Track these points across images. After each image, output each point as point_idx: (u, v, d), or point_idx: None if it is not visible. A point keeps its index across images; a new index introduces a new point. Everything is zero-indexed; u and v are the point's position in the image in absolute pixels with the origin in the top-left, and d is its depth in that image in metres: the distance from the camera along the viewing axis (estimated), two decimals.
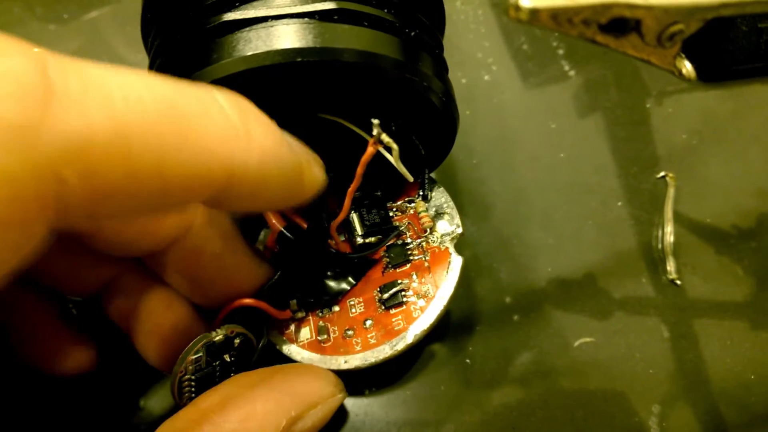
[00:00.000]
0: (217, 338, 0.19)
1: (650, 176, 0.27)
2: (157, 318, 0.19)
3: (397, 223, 0.23)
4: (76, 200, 0.11)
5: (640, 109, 0.29)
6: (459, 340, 0.23)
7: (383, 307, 0.21)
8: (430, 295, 0.21)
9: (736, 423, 0.21)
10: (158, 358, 0.19)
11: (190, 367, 0.18)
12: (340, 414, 0.21)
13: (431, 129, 0.21)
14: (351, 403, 0.22)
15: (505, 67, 0.30)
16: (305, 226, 0.21)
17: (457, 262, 0.22)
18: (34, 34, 0.33)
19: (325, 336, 0.21)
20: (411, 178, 0.20)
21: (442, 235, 0.22)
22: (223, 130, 0.13)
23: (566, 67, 0.30)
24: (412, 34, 0.18)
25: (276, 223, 0.21)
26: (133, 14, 0.34)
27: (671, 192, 0.26)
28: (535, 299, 0.24)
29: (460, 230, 0.22)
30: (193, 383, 0.19)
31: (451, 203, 0.23)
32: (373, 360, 0.20)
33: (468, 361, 0.22)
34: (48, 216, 0.11)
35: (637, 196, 0.26)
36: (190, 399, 0.18)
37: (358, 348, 0.21)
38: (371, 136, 0.18)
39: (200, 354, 0.18)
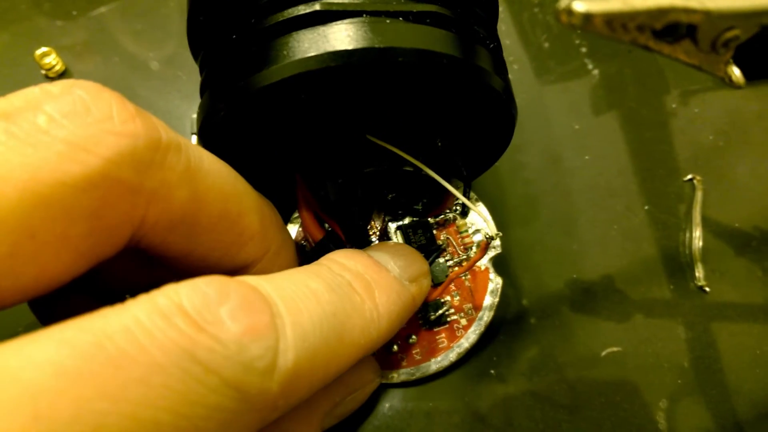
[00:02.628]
0: None
1: (677, 179, 0.26)
2: None
3: (439, 241, 0.23)
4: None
5: (665, 110, 0.28)
6: (483, 350, 0.22)
7: (426, 325, 0.21)
8: (472, 314, 0.21)
9: None
10: None
11: None
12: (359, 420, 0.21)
13: (485, 134, 0.20)
14: (371, 415, 0.21)
15: (526, 66, 0.29)
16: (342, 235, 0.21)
17: (497, 283, 0.22)
18: (41, 29, 0.32)
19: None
20: (495, 232, 0.20)
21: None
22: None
23: (589, 66, 0.29)
24: (492, 46, 0.18)
25: (316, 233, 0.20)
26: (142, 10, 0.34)
27: (699, 195, 0.25)
28: (559, 307, 0.23)
29: (499, 251, 0.22)
30: None
31: (491, 220, 0.23)
32: (419, 375, 0.21)
33: (492, 371, 0.22)
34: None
35: (664, 199, 0.26)
36: None
37: (404, 363, 0.21)
38: (418, 157, 0.18)
39: None
